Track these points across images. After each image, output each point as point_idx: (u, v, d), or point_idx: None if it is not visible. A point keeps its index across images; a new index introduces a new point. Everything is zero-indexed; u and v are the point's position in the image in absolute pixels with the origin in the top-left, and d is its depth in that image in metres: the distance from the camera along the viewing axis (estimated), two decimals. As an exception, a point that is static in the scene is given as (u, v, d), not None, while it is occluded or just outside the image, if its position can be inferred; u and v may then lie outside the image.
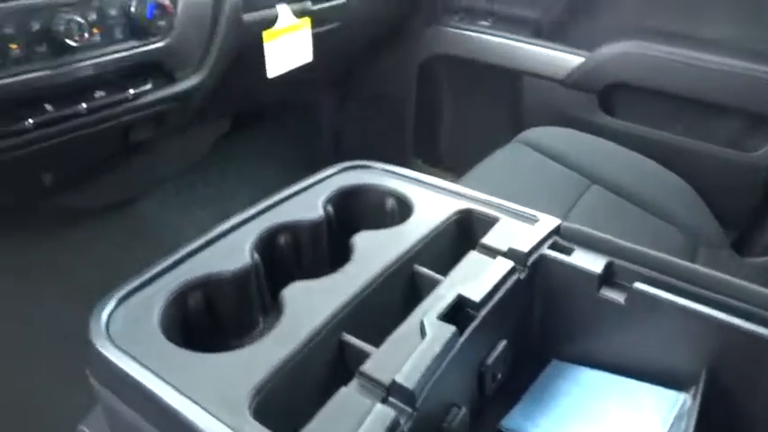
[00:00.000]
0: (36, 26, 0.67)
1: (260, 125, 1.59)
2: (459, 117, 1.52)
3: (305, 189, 0.66)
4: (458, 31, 1.43)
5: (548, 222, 0.58)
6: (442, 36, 1.45)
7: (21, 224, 1.09)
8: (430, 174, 1.56)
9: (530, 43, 1.31)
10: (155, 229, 1.32)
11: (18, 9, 0.65)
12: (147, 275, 0.52)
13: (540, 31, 1.36)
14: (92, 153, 0.96)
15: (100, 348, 0.45)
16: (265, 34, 1.04)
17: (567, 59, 1.25)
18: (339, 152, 1.76)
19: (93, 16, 0.72)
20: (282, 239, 0.61)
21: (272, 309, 0.59)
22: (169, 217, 1.37)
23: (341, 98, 1.67)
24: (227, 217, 1.46)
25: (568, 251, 0.56)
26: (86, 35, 0.70)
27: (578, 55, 1.24)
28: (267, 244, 0.59)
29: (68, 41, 0.69)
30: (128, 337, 0.46)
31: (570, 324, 0.56)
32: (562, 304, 0.55)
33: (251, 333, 0.58)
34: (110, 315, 0.48)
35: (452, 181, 1.38)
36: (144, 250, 1.29)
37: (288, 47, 1.09)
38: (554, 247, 0.56)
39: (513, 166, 1.08)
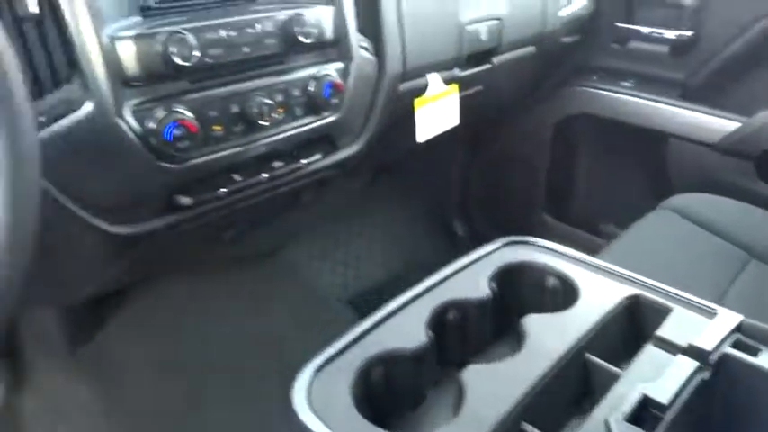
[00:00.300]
0: (235, 109, 0.76)
1: (395, 177, 1.66)
2: (594, 177, 1.50)
3: (470, 264, 0.68)
4: (596, 90, 1.42)
5: (728, 318, 0.57)
6: (579, 96, 1.45)
7: (184, 273, 1.22)
8: (562, 231, 1.55)
9: (678, 106, 1.28)
10: (300, 274, 1.42)
11: (222, 96, 0.74)
12: (337, 347, 0.56)
13: (686, 94, 1.32)
14: (262, 212, 1.05)
15: (303, 419, 0.50)
16: (416, 102, 1.10)
17: (719, 123, 1.21)
18: (466, 205, 1.79)
19: (279, 98, 0.80)
20: (451, 315, 0.64)
21: (441, 382, 0.62)
22: (313, 263, 1.47)
23: (472, 154, 1.71)
24: (365, 261, 1.52)
25: (754, 351, 0.54)
26: (273, 115, 0.79)
27: (732, 119, 1.19)
28: (438, 321, 0.62)
29: (260, 122, 0.77)
30: (325, 409, 0.50)
31: (756, 429, 0.53)
32: (747, 407, 0.53)
33: (420, 406, 0.61)
34: (309, 386, 0.53)
35: (589, 243, 1.35)
36: (291, 295, 1.40)
37: (436, 112, 1.15)
38: (737, 345, 0.55)
39: (662, 235, 1.05)
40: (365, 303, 1.51)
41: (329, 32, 0.84)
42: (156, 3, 0.70)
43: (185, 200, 0.77)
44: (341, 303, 1.49)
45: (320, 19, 0.82)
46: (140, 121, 0.67)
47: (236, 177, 0.81)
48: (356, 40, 0.89)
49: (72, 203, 0.68)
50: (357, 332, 0.58)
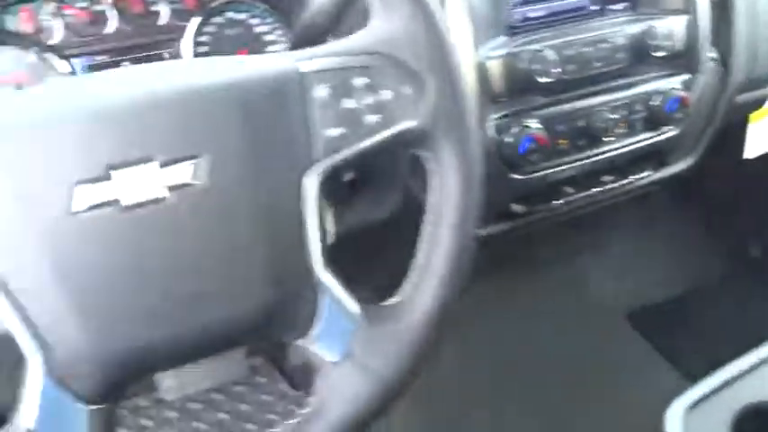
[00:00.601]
0: (581, 124, 0.76)
1: (689, 189, 1.53)
2: None
3: None
4: None
5: None
6: None
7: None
8: None
9: None
10: (579, 282, 1.41)
11: (570, 111, 0.75)
12: (709, 387, 0.53)
13: None
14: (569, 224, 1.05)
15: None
16: (753, 115, 0.98)
17: None
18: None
19: (622, 112, 0.78)
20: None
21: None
22: (593, 272, 1.44)
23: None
24: (645, 276, 1.43)
25: None
26: (616, 130, 0.77)
27: None
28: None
29: (603, 137, 0.76)
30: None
31: None
32: None
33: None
34: (683, 422, 0.51)
35: None
36: (569, 302, 1.39)
37: (773, 126, 1.02)
38: None
39: None
40: (642, 320, 1.44)
41: (680, 44, 0.79)
42: (520, 22, 0.73)
43: (519, 208, 0.80)
44: (618, 316, 1.44)
45: (672, 31, 0.77)
46: (499, 133, 0.71)
47: (569, 190, 0.82)
48: (707, 52, 0.82)
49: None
50: (730, 374, 0.54)
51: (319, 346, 0.43)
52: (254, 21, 0.71)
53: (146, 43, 0.66)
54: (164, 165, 0.36)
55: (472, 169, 0.45)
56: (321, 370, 0.44)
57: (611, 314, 1.43)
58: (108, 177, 0.35)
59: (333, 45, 0.42)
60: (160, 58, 0.66)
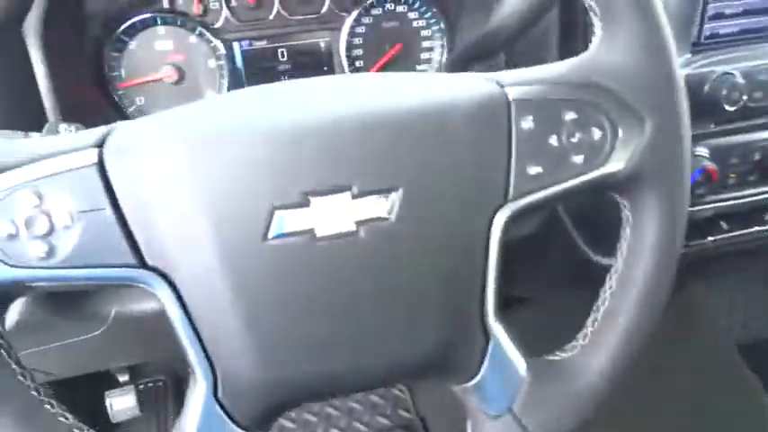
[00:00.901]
0: (756, 157, 0.68)
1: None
2: None
3: None
4: None
5: None
6: None
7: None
8: None
9: None
10: (692, 307, 1.32)
11: (745, 142, 0.68)
12: None
13: None
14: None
15: None
16: None
17: None
18: None
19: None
20: None
21: None
22: (707, 299, 1.35)
23: None
24: (759, 307, 1.32)
25: None
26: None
27: None
28: None
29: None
30: None
31: None
32: None
33: None
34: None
35: None
36: (684, 328, 1.31)
37: None
38: None
39: None
40: (753, 351, 1.35)
41: None
42: (707, 38, 0.66)
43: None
44: (726, 344, 1.35)
45: None
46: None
47: (724, 226, 0.74)
48: None
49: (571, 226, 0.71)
50: None
51: (479, 396, 0.40)
52: (413, 14, 0.67)
53: (303, 31, 0.63)
54: (356, 196, 0.33)
55: (677, 221, 0.39)
56: (477, 420, 0.41)
57: (721, 343, 1.35)
58: (307, 204, 0.32)
59: (543, 70, 0.38)
60: (317, 46, 0.64)
